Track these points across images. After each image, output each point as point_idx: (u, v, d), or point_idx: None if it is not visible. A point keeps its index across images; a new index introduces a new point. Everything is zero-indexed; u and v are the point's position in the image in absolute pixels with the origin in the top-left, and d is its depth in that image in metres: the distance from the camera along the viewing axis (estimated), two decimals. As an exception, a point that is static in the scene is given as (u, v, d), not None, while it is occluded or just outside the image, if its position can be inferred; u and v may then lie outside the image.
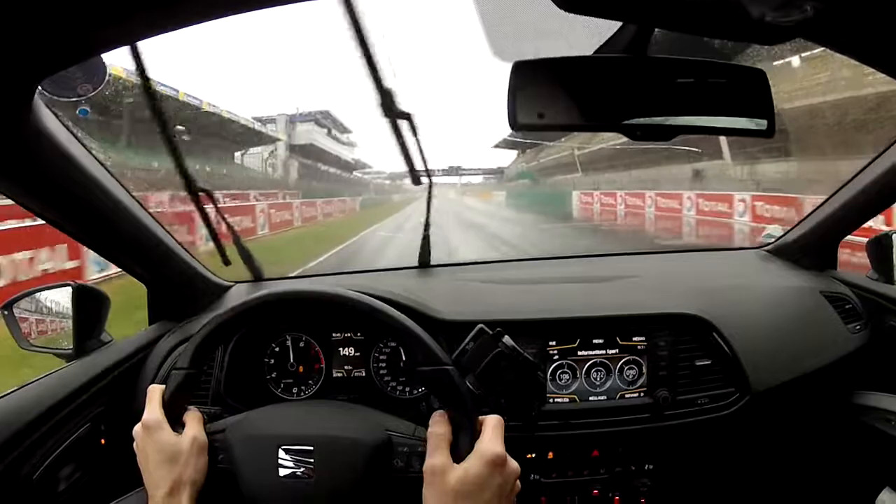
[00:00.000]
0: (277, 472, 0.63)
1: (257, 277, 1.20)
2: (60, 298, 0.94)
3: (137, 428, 0.65)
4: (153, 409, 0.65)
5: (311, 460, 0.63)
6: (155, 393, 0.66)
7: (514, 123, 0.61)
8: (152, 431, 0.63)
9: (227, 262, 1.12)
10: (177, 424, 0.65)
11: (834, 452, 1.13)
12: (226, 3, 0.53)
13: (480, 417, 0.62)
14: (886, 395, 1.06)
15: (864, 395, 1.08)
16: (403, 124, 0.91)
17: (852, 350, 1.06)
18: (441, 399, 0.63)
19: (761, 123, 0.66)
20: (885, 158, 1.04)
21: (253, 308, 0.69)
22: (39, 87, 0.62)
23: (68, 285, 0.93)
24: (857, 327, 1.09)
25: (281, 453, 0.63)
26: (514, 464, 0.60)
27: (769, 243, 1.32)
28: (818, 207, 1.19)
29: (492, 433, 0.60)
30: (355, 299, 0.67)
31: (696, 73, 0.65)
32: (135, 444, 0.65)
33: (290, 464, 0.63)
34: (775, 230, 1.37)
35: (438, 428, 0.61)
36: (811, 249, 1.23)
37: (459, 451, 0.60)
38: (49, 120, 0.66)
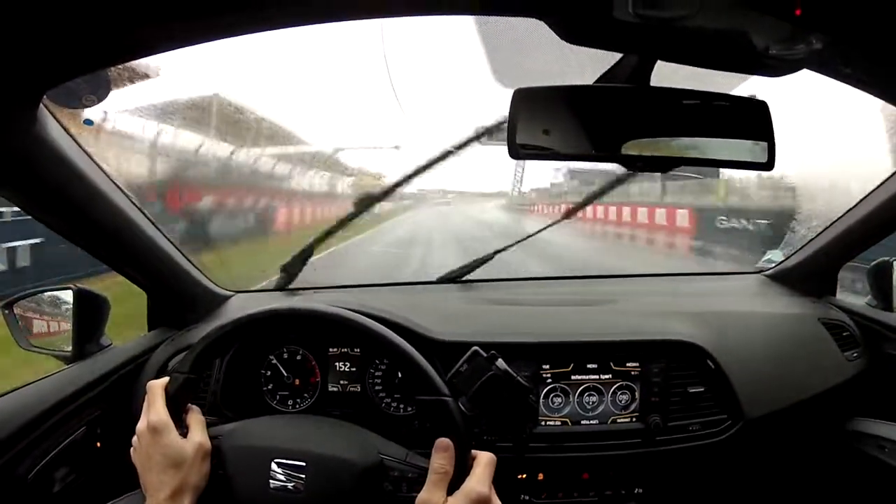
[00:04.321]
0: (268, 484, 0.63)
1: (284, 286, 1.24)
2: (61, 300, 0.95)
3: (143, 428, 0.63)
4: (158, 410, 0.63)
5: (303, 476, 0.63)
6: (157, 392, 0.64)
7: (513, 152, 0.61)
8: (160, 434, 0.62)
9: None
10: (179, 426, 0.64)
11: (828, 479, 1.12)
12: (230, 24, 0.53)
13: (473, 452, 0.62)
14: (881, 421, 1.06)
15: (859, 421, 1.08)
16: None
17: (849, 378, 1.05)
18: (437, 428, 0.63)
19: (762, 156, 0.65)
20: (888, 185, 1.03)
21: (256, 321, 0.69)
22: (45, 96, 0.63)
23: (69, 288, 0.94)
24: (855, 355, 1.09)
25: (273, 466, 0.64)
26: None
27: (769, 268, 1.31)
28: (819, 234, 1.19)
29: (481, 472, 0.60)
30: (357, 322, 0.68)
31: (698, 104, 0.64)
32: (135, 442, 0.64)
33: (282, 477, 0.63)
34: (775, 255, 1.36)
35: (445, 464, 0.60)
36: (811, 275, 1.23)
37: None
38: (53, 128, 0.67)
